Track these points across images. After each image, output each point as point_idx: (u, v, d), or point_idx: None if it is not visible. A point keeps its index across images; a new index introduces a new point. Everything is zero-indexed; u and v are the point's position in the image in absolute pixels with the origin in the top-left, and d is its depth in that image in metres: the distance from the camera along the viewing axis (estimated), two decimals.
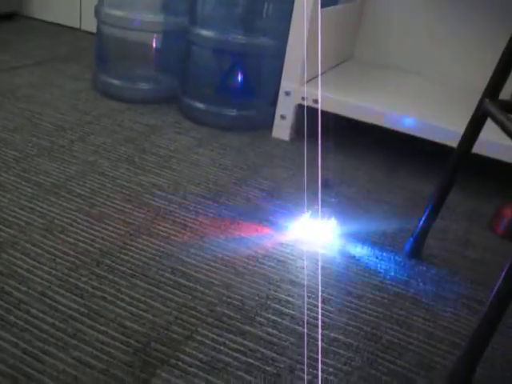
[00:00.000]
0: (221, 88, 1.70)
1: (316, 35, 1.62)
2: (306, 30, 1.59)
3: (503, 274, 0.85)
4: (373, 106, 1.59)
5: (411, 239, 1.22)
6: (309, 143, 1.56)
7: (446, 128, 1.50)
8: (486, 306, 0.86)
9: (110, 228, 1.14)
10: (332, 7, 1.75)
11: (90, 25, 2.48)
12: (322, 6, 1.63)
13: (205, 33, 1.66)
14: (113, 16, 1.77)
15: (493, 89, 1.04)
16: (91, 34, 2.42)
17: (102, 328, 0.90)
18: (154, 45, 1.84)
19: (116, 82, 1.81)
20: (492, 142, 1.44)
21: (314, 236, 1.21)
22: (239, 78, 1.70)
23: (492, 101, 1.02)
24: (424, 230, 1.21)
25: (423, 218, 1.19)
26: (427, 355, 0.95)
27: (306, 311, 0.99)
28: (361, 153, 1.68)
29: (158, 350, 0.87)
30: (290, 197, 1.36)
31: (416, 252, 1.22)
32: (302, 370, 0.87)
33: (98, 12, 1.80)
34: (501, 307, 0.85)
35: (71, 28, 2.62)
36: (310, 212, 1.25)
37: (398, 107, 1.60)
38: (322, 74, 1.78)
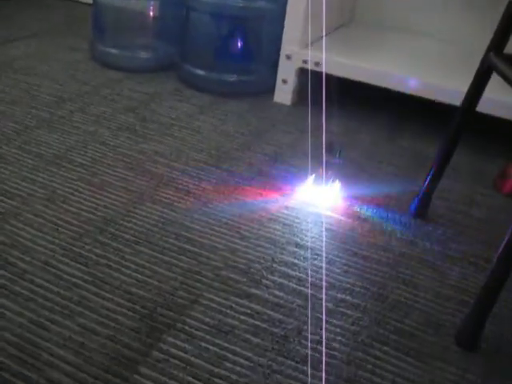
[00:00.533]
0: (220, 53, 1.68)
1: None
2: None
3: (510, 229, 0.84)
4: (375, 67, 1.56)
5: (416, 200, 1.21)
6: (311, 107, 1.54)
7: (450, 88, 1.47)
8: (493, 263, 0.85)
9: (113, 196, 1.14)
10: None
11: None
12: None
13: None
14: None
15: (497, 43, 1.02)
16: (88, 4, 2.38)
17: (108, 295, 0.89)
18: (152, 13, 1.81)
19: (114, 51, 1.78)
20: (496, 100, 1.42)
21: (318, 199, 1.20)
22: (239, 42, 1.68)
23: (497, 54, 1.00)
24: (429, 190, 1.19)
25: (428, 179, 1.18)
26: (435, 313, 0.94)
27: (312, 273, 0.98)
28: (363, 115, 1.66)
29: (164, 315, 0.87)
30: (294, 161, 1.35)
31: (421, 212, 1.21)
32: (310, 331, 0.87)
33: None
34: (508, 262, 0.85)
35: None
36: (314, 175, 1.24)
37: (401, 68, 1.58)
38: (322, 36, 1.76)
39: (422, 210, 1.21)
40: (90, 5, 1.91)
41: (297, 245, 1.05)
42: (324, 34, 1.78)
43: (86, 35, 1.94)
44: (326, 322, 0.89)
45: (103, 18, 1.83)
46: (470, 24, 1.86)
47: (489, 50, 1.03)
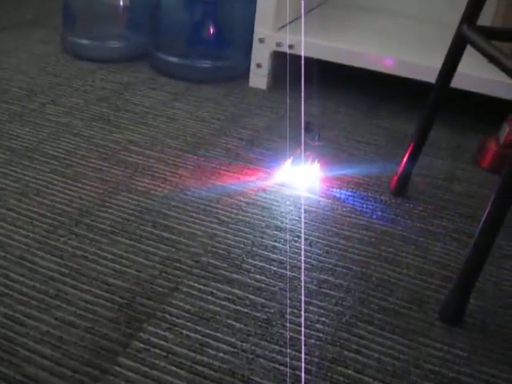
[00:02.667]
0: (193, 40, 1.65)
1: None
2: None
3: (491, 201, 0.83)
4: (350, 48, 1.55)
5: (396, 178, 1.19)
6: (287, 90, 1.52)
7: (426, 65, 1.46)
8: (475, 237, 0.84)
9: (88, 187, 1.11)
10: None
11: None
12: None
13: None
14: None
15: (470, 14, 1.01)
16: None
17: (85, 287, 0.87)
18: (122, 2, 1.78)
19: (85, 42, 1.75)
20: (471, 76, 1.41)
21: (297, 181, 1.19)
22: (211, 28, 1.65)
23: (470, 26, 0.99)
24: (408, 167, 1.18)
25: (406, 156, 1.17)
26: (419, 290, 0.93)
27: (293, 255, 0.97)
28: (341, 96, 1.64)
29: (144, 304, 0.85)
30: (271, 144, 1.33)
31: (402, 190, 1.20)
32: (293, 313, 0.85)
33: None
34: (490, 235, 0.84)
35: None
36: (292, 157, 1.22)
37: (375, 47, 1.57)
38: (295, 18, 1.74)
39: (402, 187, 1.20)
40: None
41: (276, 228, 1.04)
42: (297, 16, 1.75)
43: (57, 27, 1.90)
44: (309, 303, 0.87)
45: (73, 9, 1.80)
46: (445, 2, 1.84)
47: (461, 22, 1.02)
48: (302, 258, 0.97)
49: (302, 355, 0.79)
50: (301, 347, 0.80)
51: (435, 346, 0.83)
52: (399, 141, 1.41)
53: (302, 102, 1.46)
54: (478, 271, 0.86)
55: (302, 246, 1.00)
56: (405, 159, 1.17)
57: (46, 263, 0.91)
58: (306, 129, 1.29)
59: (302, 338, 0.81)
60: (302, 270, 0.93)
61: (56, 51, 1.78)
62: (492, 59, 0.90)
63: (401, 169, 1.18)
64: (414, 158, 1.17)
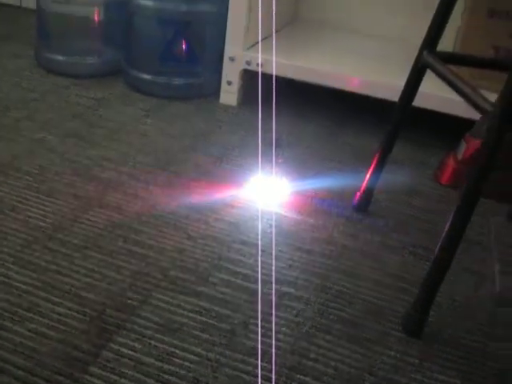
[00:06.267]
0: (165, 58, 1.70)
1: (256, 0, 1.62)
2: None
3: (451, 216, 0.89)
4: (317, 67, 1.61)
5: (359, 193, 1.25)
6: (256, 107, 1.57)
7: (391, 84, 1.52)
8: (433, 252, 0.90)
9: (61, 203, 1.15)
10: None
11: (30, 1, 2.43)
12: None
13: (145, 2, 1.65)
14: None
15: (431, 40, 1.06)
16: (32, 10, 2.37)
17: (58, 300, 0.91)
18: (96, 18, 1.82)
19: (60, 57, 1.79)
20: (433, 95, 1.48)
21: (263, 196, 1.24)
22: (183, 46, 1.70)
23: (431, 52, 1.05)
24: (371, 183, 1.24)
25: (369, 172, 1.22)
26: (375, 301, 0.99)
27: (257, 269, 1.02)
28: (308, 113, 1.70)
29: (114, 316, 0.89)
30: (239, 160, 1.38)
31: (364, 205, 1.25)
32: (256, 324, 0.90)
33: None
34: (450, 250, 0.90)
35: (11, 6, 2.56)
36: (259, 173, 1.28)
37: (342, 66, 1.63)
38: (265, 37, 1.79)
39: (365, 203, 1.26)
40: (35, 11, 1.90)
41: (242, 242, 1.09)
42: (268, 34, 1.81)
43: (32, 42, 1.94)
44: (271, 314, 0.92)
45: (47, 25, 1.83)
46: (411, 22, 1.91)
47: (422, 48, 1.08)
48: (269, 272, 1.01)
49: (265, 363, 0.83)
50: (262, 356, 0.84)
51: (389, 354, 0.89)
52: (363, 157, 1.47)
53: (268, 119, 1.51)
54: (438, 285, 0.92)
55: (268, 261, 1.05)
56: (368, 175, 1.23)
57: (20, 277, 0.95)
58: (273, 146, 1.34)
59: (264, 348, 0.86)
60: (268, 283, 0.98)
61: (30, 66, 1.82)
62: (450, 84, 0.96)
63: (364, 185, 1.24)
64: (376, 174, 1.23)
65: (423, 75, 1.11)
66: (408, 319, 0.94)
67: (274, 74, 1.59)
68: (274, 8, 1.75)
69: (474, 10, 1.59)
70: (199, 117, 1.60)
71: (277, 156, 1.31)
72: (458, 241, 0.90)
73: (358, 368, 0.86)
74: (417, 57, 1.10)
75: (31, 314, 0.88)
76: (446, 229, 0.90)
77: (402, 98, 1.16)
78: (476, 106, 0.91)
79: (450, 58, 1.11)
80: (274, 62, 1.62)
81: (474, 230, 1.23)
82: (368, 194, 1.25)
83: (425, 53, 1.07)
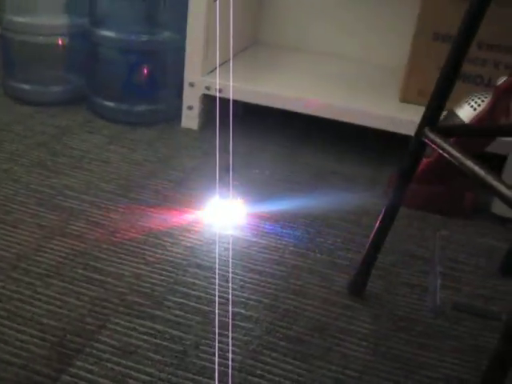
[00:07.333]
0: (128, 85, 1.76)
1: (213, 26, 1.69)
2: (202, 21, 1.67)
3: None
4: (274, 91, 1.68)
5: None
6: (217, 130, 1.64)
7: (350, 107, 1.61)
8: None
9: (25, 233, 1.21)
10: None
11: None
12: None
13: (107, 33, 1.71)
14: (15, 22, 1.81)
15: (431, 117, 1.01)
16: None
17: (21, 327, 0.97)
18: (61, 47, 1.88)
19: (25, 86, 1.84)
20: (385, 116, 1.57)
21: (220, 219, 1.31)
22: (145, 74, 1.77)
23: (432, 129, 0.99)
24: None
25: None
26: (321, 318, 1.06)
27: (210, 291, 1.09)
28: (267, 135, 1.77)
29: (74, 341, 0.95)
30: (198, 184, 1.45)
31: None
32: (207, 344, 0.97)
33: (0, 19, 1.83)
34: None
35: None
36: (216, 197, 1.35)
37: (300, 90, 1.70)
38: (225, 62, 1.87)
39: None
40: None
41: (197, 266, 1.16)
42: (227, 58, 1.89)
43: None
44: (221, 334, 0.99)
45: (12, 54, 1.89)
46: (373, 44, 2.00)
47: (423, 125, 1.01)
48: (219, 294, 1.08)
49: (214, 381, 0.90)
50: (211, 375, 0.91)
51: (330, 368, 0.96)
52: (320, 178, 1.54)
53: (228, 142, 1.58)
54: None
55: (221, 283, 1.11)
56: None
57: None
58: (229, 169, 1.41)
59: (213, 366, 0.93)
60: (217, 304, 1.05)
61: None
62: (455, 160, 0.92)
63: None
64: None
65: (422, 153, 1.06)
66: None
67: (231, 99, 1.68)
68: (231, 33, 1.83)
69: (421, 33, 1.68)
70: (161, 142, 1.67)
71: (233, 178, 1.38)
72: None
73: (300, 382, 0.92)
74: (416, 133, 1.03)
75: None
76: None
77: (400, 178, 1.08)
78: (484, 184, 0.86)
79: (451, 132, 1.08)
80: (231, 87, 1.70)
81: (419, 244, 1.31)
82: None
83: (427, 129, 1.00)
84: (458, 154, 0.93)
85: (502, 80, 1.37)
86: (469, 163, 0.90)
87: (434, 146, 0.99)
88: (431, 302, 1.15)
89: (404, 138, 1.54)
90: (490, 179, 0.85)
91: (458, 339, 1.06)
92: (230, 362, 0.94)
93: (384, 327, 1.06)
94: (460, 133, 1.18)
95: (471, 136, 1.29)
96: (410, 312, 1.11)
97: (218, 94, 1.68)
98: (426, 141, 1.00)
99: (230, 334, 1.00)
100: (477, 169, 0.88)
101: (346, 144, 1.74)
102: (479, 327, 1.09)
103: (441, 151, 0.97)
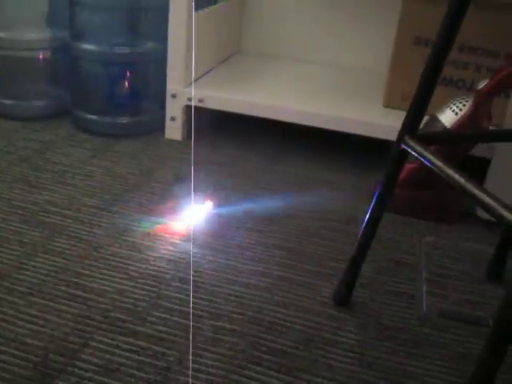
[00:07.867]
0: (111, 98, 1.76)
1: (195, 37, 1.69)
2: (183, 32, 1.66)
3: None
4: (255, 100, 1.68)
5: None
6: (200, 140, 1.64)
7: (332, 115, 1.61)
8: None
9: (7, 250, 1.20)
10: (210, 8, 1.83)
11: None
12: (201, 6, 1.71)
13: (88, 47, 1.71)
14: None
15: (411, 125, 1.01)
16: None
17: (3, 348, 0.96)
18: (43, 61, 1.87)
19: (7, 101, 1.84)
20: (369, 123, 1.57)
21: (203, 231, 1.30)
22: (127, 86, 1.76)
23: (412, 137, 0.99)
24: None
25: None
26: (306, 330, 1.06)
27: (194, 305, 1.08)
28: (250, 144, 1.76)
29: (56, 360, 0.94)
30: (180, 196, 1.44)
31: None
32: (190, 360, 0.96)
33: None
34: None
35: None
36: (199, 208, 1.34)
37: (283, 98, 1.70)
38: (207, 72, 1.86)
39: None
40: None
41: (180, 280, 1.15)
42: (210, 68, 1.88)
43: None
44: (205, 349, 0.98)
45: None
46: (357, 49, 2.01)
47: (403, 132, 1.01)
48: (201, 308, 1.08)
49: None
50: None
51: (316, 381, 0.95)
52: (303, 186, 1.54)
53: (211, 152, 1.58)
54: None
55: (204, 296, 1.11)
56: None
57: None
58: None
59: (197, 383, 0.92)
60: (201, 318, 1.04)
61: None
62: (437, 169, 0.93)
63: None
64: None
65: (404, 162, 1.05)
66: None
67: (214, 108, 1.67)
68: (215, 44, 1.83)
69: (402, 38, 1.68)
70: (145, 154, 1.66)
71: (215, 189, 1.38)
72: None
73: None
74: (396, 143, 1.03)
75: None
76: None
77: (383, 187, 1.09)
78: (464, 192, 0.86)
79: (431, 139, 1.09)
80: (213, 97, 1.70)
81: (404, 250, 1.31)
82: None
83: (406, 137, 1.00)
84: (438, 162, 0.93)
85: (483, 84, 1.37)
86: (449, 171, 0.90)
87: (414, 153, 0.99)
88: (418, 310, 1.14)
89: (389, 144, 1.55)
90: (471, 187, 0.85)
91: (445, 347, 1.05)
92: (213, 378, 0.93)
93: (370, 337, 1.06)
94: (440, 140, 1.19)
95: (452, 143, 1.29)
96: (396, 320, 1.10)
97: (193, 104, 1.68)
98: (407, 148, 1.00)
99: (214, 349, 0.99)
100: (457, 177, 0.88)
101: (332, 151, 1.74)
102: (466, 334, 1.09)
103: (421, 159, 0.97)
